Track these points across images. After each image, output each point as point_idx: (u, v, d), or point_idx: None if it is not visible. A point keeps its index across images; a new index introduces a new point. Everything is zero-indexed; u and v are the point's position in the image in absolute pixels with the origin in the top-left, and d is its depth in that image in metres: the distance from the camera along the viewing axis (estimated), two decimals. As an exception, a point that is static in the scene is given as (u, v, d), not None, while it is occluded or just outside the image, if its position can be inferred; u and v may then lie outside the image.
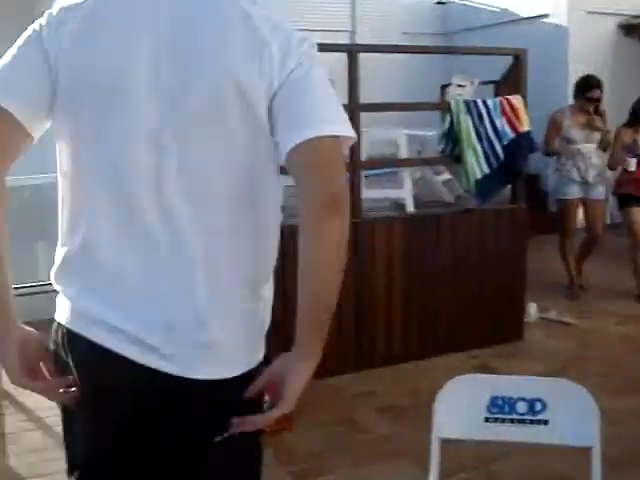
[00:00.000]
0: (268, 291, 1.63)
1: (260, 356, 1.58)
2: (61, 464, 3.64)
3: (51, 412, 4.24)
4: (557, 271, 6.88)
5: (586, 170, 6.25)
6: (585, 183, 6.30)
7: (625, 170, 6.31)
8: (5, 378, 4.85)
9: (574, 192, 6.32)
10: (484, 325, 5.15)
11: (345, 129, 1.44)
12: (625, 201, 6.35)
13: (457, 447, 3.54)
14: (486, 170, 4.98)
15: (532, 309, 5.78)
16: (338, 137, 1.43)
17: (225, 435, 1.49)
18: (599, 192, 6.41)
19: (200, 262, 1.44)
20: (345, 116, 1.46)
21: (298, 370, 1.45)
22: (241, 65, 1.39)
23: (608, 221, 9.37)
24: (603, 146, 6.30)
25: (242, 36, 1.41)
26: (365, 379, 4.64)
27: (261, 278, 1.58)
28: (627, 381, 4.54)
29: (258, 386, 1.47)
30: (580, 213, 6.56)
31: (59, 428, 4.08)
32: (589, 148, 6.24)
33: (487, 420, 2.14)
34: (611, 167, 6.48)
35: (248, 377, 1.51)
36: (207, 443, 1.50)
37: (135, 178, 1.40)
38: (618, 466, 3.38)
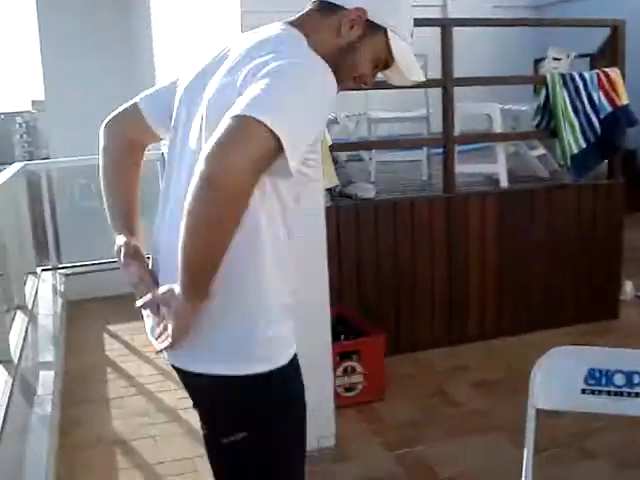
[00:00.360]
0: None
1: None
2: (162, 427, 3.85)
3: (152, 379, 4.44)
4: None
5: None
6: None
7: None
8: (109, 347, 5.08)
9: None
10: (578, 302, 5.08)
11: (254, 110, 1.37)
12: None
13: (550, 423, 3.55)
14: (583, 145, 4.89)
15: (628, 287, 5.65)
16: (244, 116, 1.37)
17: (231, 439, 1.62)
18: None
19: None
20: (268, 104, 1.40)
21: (179, 305, 1.52)
22: None
23: None
24: None
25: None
26: (458, 354, 4.65)
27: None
28: None
29: (150, 300, 1.62)
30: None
31: (160, 394, 4.30)
32: None
33: (584, 392, 2.13)
34: None
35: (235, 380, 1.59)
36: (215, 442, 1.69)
37: None
38: None
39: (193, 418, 3.84)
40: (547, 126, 5.02)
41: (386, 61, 1.68)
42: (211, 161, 1.34)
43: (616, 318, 5.20)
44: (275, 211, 1.56)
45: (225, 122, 1.38)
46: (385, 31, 1.63)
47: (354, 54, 1.63)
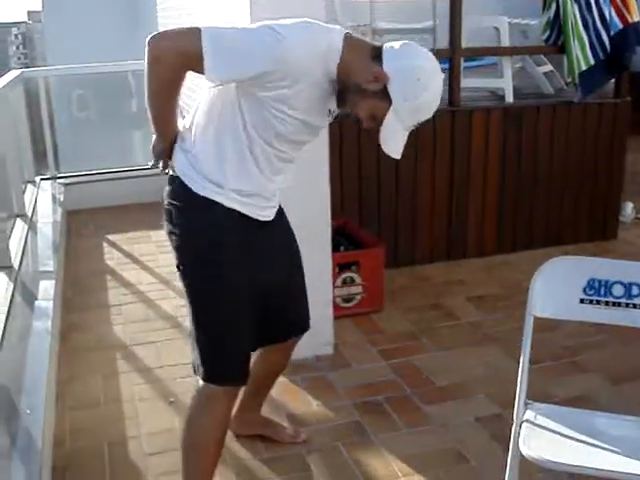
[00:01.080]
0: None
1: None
2: (162, 333, 3.89)
3: (152, 287, 4.47)
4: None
5: None
6: None
7: None
8: (108, 256, 5.10)
9: None
10: (579, 222, 5.08)
11: (207, 38, 1.87)
12: None
13: (545, 336, 3.60)
14: (591, 61, 4.79)
15: (629, 208, 5.64)
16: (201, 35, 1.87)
17: None
18: None
19: None
20: (219, 38, 1.90)
21: (155, 140, 2.20)
22: None
23: None
24: None
25: None
26: (456, 269, 4.69)
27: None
28: None
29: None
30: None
31: (159, 301, 4.35)
32: None
33: (582, 301, 2.15)
34: None
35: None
36: None
37: None
38: None
39: (192, 325, 3.90)
40: (556, 41, 4.92)
41: (381, 122, 1.96)
42: (157, 35, 1.92)
43: (615, 238, 5.22)
44: (236, 129, 2.03)
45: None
46: (390, 104, 1.93)
47: (360, 97, 1.97)
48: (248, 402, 2.78)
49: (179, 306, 4.15)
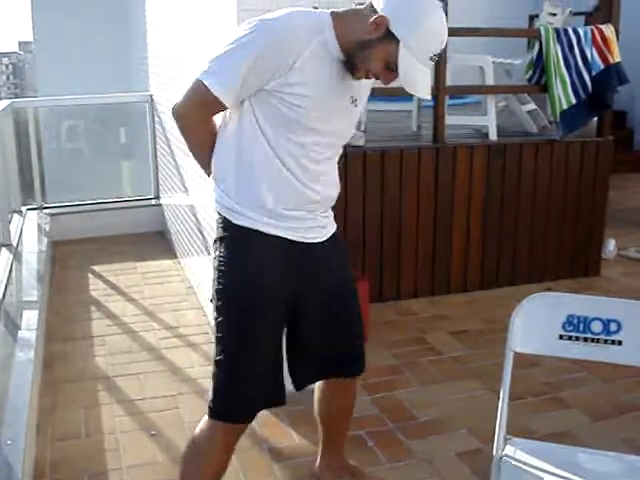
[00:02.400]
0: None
1: None
2: (145, 365, 3.89)
3: (136, 319, 4.47)
4: (639, 209, 6.76)
5: None
6: None
7: None
8: (93, 287, 5.09)
9: None
10: (562, 258, 5.13)
11: (201, 75, 2.04)
12: None
13: (526, 372, 3.63)
14: (573, 100, 4.88)
15: (611, 245, 5.71)
16: (198, 79, 2.05)
17: None
18: None
19: None
20: (210, 67, 2.04)
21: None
22: None
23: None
24: None
25: None
26: (440, 304, 4.71)
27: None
28: None
29: None
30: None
31: (143, 333, 4.34)
32: None
33: (561, 337, 2.16)
34: None
35: None
36: None
37: None
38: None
39: (176, 357, 3.92)
40: (539, 81, 5.01)
41: (396, 68, 1.98)
42: (175, 108, 2.13)
43: (597, 275, 5.26)
44: (258, 141, 2.07)
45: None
46: (397, 42, 1.94)
47: (368, 50, 1.98)
48: (325, 447, 2.75)
49: (163, 338, 4.16)
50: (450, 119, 4.79)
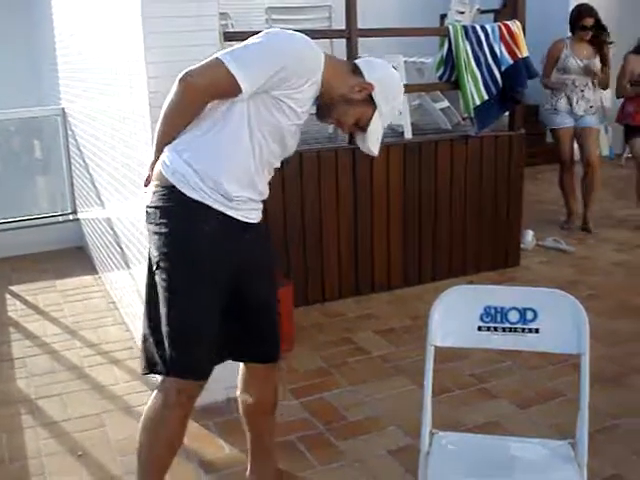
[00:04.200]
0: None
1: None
2: (67, 385, 3.78)
3: (57, 338, 4.35)
4: (554, 201, 6.94)
5: (577, 102, 6.15)
6: (574, 114, 6.23)
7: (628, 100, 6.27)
8: (12, 308, 4.93)
9: (565, 122, 6.23)
10: (481, 251, 5.22)
11: (227, 59, 2.13)
12: (632, 132, 6.33)
13: (452, 366, 3.67)
14: (485, 96, 4.97)
15: (529, 236, 5.84)
16: (221, 61, 2.15)
17: None
18: (589, 121, 6.27)
19: None
20: (240, 56, 2.15)
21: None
22: None
23: (605, 152, 9.36)
24: (602, 86, 6.24)
25: None
26: (365, 303, 4.73)
27: None
28: (621, 305, 4.62)
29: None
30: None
31: (64, 352, 4.22)
32: (583, 81, 6.14)
33: (480, 329, 2.20)
34: (618, 95, 6.42)
35: None
36: None
37: None
38: (606, 385, 3.49)
39: (100, 375, 3.83)
40: (449, 78, 5.08)
41: (363, 127, 2.32)
42: (188, 73, 2.16)
43: (517, 265, 5.38)
44: (241, 131, 2.20)
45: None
46: (375, 108, 2.30)
47: (348, 106, 2.29)
48: (254, 452, 2.73)
49: (85, 356, 4.06)
50: (365, 119, 4.81)
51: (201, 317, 2.27)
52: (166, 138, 2.28)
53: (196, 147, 2.22)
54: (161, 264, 2.25)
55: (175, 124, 2.26)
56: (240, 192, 2.25)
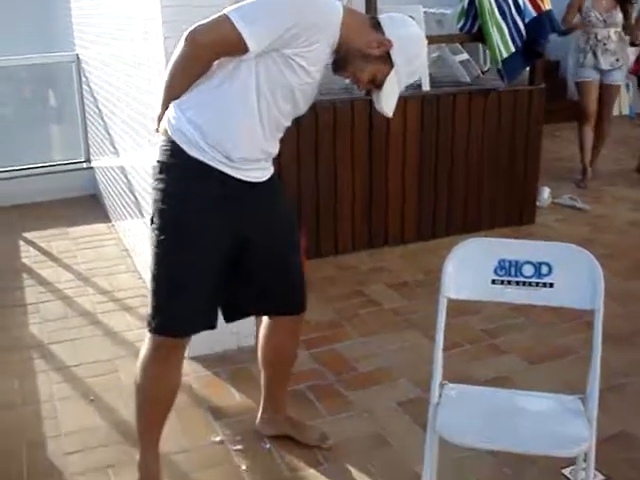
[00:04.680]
0: None
1: None
2: (80, 331, 3.81)
3: (70, 284, 4.38)
4: (572, 158, 6.85)
5: (602, 55, 6.08)
6: (600, 69, 6.16)
7: None
8: (25, 254, 4.96)
9: (589, 75, 6.18)
10: (496, 208, 5.17)
11: (235, 17, 2.07)
12: None
13: (463, 320, 3.66)
14: (512, 48, 4.87)
15: (545, 193, 5.78)
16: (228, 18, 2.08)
17: None
18: (614, 77, 6.22)
19: None
20: (248, 13, 2.08)
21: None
22: None
23: (626, 111, 9.25)
24: (629, 34, 6.14)
25: None
26: (378, 257, 4.72)
27: None
28: (636, 265, 4.59)
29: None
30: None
31: (77, 299, 4.25)
32: (606, 33, 6.05)
33: (494, 282, 2.18)
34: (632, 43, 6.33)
35: None
36: None
37: None
38: (618, 343, 3.48)
39: (112, 322, 3.85)
40: (470, 30, 4.99)
41: (379, 85, 2.25)
42: (195, 30, 2.11)
43: (533, 223, 5.33)
44: (248, 91, 2.14)
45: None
46: (392, 67, 2.21)
47: (365, 62, 2.21)
48: (266, 400, 2.79)
49: (98, 303, 4.08)
50: (383, 71, 4.74)
51: (186, 277, 2.25)
52: (172, 94, 2.25)
53: (200, 105, 2.19)
54: (154, 219, 2.25)
55: (181, 81, 2.22)
56: (243, 153, 2.21)
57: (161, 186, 2.23)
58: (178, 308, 2.27)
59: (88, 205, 5.95)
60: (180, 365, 2.42)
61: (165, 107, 2.27)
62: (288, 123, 2.32)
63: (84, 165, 6.42)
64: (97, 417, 2.98)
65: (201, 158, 2.18)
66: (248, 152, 2.23)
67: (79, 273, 4.54)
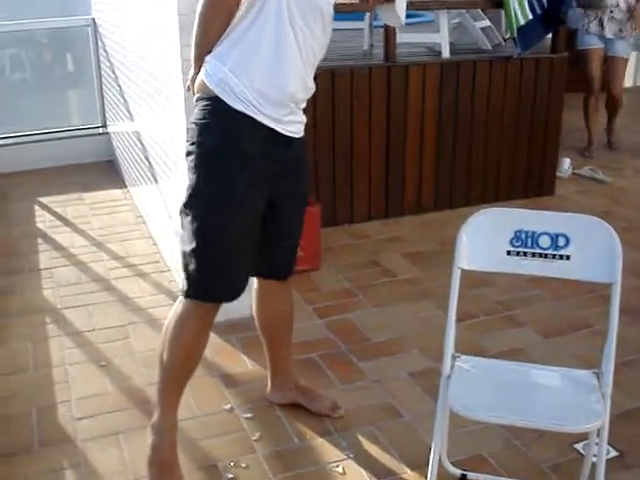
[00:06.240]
0: None
1: None
2: (93, 296, 3.81)
3: (84, 250, 4.37)
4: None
5: (607, 22, 5.95)
6: (604, 37, 6.03)
7: None
8: (40, 219, 4.97)
9: (593, 42, 6.06)
10: (516, 178, 5.10)
11: None
12: None
13: (477, 292, 3.62)
14: (530, 16, 4.77)
15: (566, 164, 5.70)
16: None
17: None
18: (619, 49, 6.09)
19: None
20: None
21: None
22: None
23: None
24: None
25: None
26: (393, 226, 4.67)
27: None
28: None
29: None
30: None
31: (92, 264, 4.25)
32: (615, 1, 5.91)
33: (509, 253, 2.13)
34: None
35: None
36: None
37: None
38: (634, 318, 3.42)
39: (125, 287, 3.84)
40: (492, -5, 4.89)
41: None
42: None
43: (552, 194, 5.26)
44: (282, 20, 2.06)
45: None
46: None
47: None
48: (271, 369, 2.78)
49: (112, 268, 4.07)
50: (402, 37, 4.66)
51: (237, 242, 2.22)
52: (205, 46, 2.16)
53: (239, 51, 2.10)
54: (199, 184, 2.17)
55: (210, 32, 2.14)
56: (291, 88, 2.15)
57: (200, 149, 2.16)
58: (233, 272, 2.27)
59: (104, 171, 5.94)
60: (212, 326, 2.39)
61: (198, 65, 2.19)
62: (321, 55, 2.25)
63: (100, 130, 6.40)
64: (108, 383, 2.98)
65: (246, 111, 2.11)
66: (295, 87, 2.16)
67: (93, 238, 4.53)
